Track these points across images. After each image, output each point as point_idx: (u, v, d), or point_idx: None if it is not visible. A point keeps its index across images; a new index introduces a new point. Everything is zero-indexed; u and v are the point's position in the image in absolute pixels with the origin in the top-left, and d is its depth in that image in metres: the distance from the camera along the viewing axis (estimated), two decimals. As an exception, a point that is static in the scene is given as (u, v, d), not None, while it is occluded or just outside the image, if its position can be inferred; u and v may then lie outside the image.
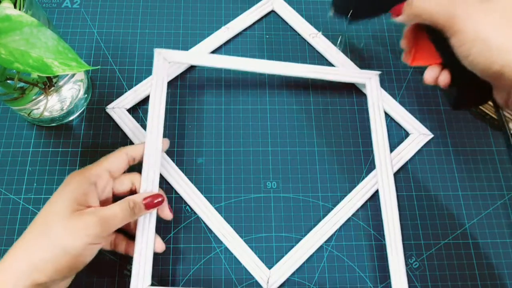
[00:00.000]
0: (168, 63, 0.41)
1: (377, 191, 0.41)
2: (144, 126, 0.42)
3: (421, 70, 0.47)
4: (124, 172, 0.36)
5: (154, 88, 0.40)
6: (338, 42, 0.44)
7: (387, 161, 0.41)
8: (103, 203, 0.33)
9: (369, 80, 0.44)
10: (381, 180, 0.40)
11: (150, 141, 0.37)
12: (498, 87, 0.30)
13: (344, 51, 0.46)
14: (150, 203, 0.34)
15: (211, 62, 0.43)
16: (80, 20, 0.47)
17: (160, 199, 0.35)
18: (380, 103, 0.43)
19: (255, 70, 0.43)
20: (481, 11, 0.28)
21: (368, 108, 0.43)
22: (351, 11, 0.38)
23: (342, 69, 0.45)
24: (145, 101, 0.43)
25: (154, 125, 0.38)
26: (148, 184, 0.36)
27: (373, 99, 0.44)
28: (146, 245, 0.34)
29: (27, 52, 0.28)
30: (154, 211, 0.35)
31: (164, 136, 0.42)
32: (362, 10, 0.38)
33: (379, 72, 0.45)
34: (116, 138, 0.42)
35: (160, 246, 0.36)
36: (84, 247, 0.29)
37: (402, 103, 0.45)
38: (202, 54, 0.44)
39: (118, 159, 0.35)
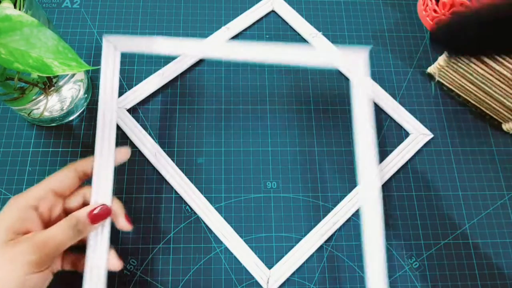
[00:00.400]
0: (119, 52, 0.37)
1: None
2: (144, 126, 0.42)
3: (422, 70, 0.47)
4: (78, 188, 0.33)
5: (104, 86, 0.35)
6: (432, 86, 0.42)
7: (373, 169, 0.34)
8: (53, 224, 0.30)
9: (356, 62, 0.36)
10: (363, 194, 0.34)
11: (100, 149, 0.34)
12: None
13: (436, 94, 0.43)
14: (96, 215, 0.31)
15: (170, 48, 0.37)
16: (80, 20, 0.47)
17: (107, 210, 0.32)
18: (369, 88, 0.36)
19: (220, 57, 0.37)
20: None
21: (352, 96, 0.36)
22: (459, 47, 0.31)
23: (321, 51, 0.38)
24: (145, 101, 0.43)
25: (106, 130, 0.34)
26: (99, 196, 0.32)
27: (358, 85, 0.36)
28: (98, 262, 0.31)
29: (27, 52, 0.28)
30: (107, 223, 0.32)
31: (165, 136, 0.42)
32: (473, 47, 0.31)
33: (369, 47, 0.38)
34: (116, 138, 0.42)
35: (116, 263, 0.32)
36: (23, 278, 0.27)
37: (402, 103, 0.45)
38: (158, 40, 0.37)
39: (64, 177, 0.32)
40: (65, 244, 0.30)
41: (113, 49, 0.37)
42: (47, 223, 0.31)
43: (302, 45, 0.36)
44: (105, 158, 0.33)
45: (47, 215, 0.31)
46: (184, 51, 0.38)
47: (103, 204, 0.32)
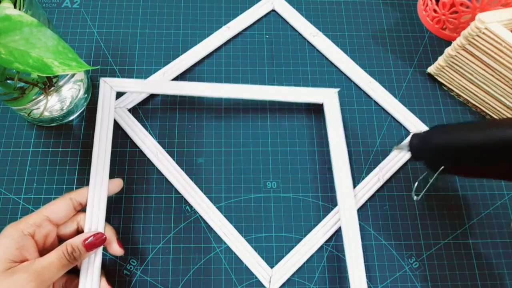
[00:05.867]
0: (115, 92, 0.41)
1: (377, 191, 0.41)
2: (144, 126, 0.42)
3: (422, 70, 0.47)
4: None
5: (100, 122, 0.39)
6: (414, 189, 0.39)
7: (350, 193, 0.39)
8: (49, 251, 0.31)
9: (328, 100, 0.42)
10: (343, 216, 0.38)
11: (95, 180, 0.36)
12: None
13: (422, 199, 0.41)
14: (91, 243, 0.32)
15: (164, 89, 0.42)
16: (80, 20, 0.47)
17: (103, 237, 0.33)
18: (341, 126, 0.41)
19: (212, 95, 0.42)
20: None
21: (327, 131, 0.41)
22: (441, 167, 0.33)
23: (298, 88, 0.43)
24: (145, 101, 0.43)
25: (100, 159, 0.37)
26: (92, 222, 0.34)
27: (331, 121, 0.41)
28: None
29: (27, 52, 0.28)
30: (99, 251, 0.34)
31: (165, 136, 0.42)
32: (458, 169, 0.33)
33: (337, 89, 0.43)
34: (116, 138, 0.42)
35: None
36: None
37: (402, 103, 0.45)
38: (154, 82, 0.42)
39: (60, 205, 0.33)
40: (61, 271, 0.30)
41: (109, 89, 0.41)
42: (42, 250, 0.32)
43: (283, 87, 0.43)
44: (99, 189, 0.36)
45: (42, 242, 0.32)
46: (177, 92, 0.42)
47: (98, 232, 0.33)
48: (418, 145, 0.35)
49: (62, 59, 0.29)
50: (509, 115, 0.42)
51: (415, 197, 0.38)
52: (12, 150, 0.41)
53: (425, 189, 0.37)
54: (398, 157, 0.42)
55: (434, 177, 0.33)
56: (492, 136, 0.29)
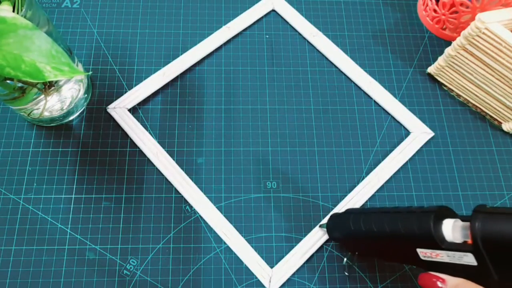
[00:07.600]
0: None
1: (377, 191, 0.41)
2: (144, 126, 0.42)
3: (422, 70, 0.47)
4: None
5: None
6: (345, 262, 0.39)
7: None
8: None
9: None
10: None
11: None
12: None
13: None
14: None
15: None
16: (80, 20, 0.47)
17: None
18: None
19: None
20: None
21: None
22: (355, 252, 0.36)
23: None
24: (145, 101, 0.43)
25: None
26: None
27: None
28: None
29: (20, 56, 0.27)
30: None
31: (165, 136, 0.42)
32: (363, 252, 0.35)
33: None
34: (116, 138, 0.42)
35: None
36: None
37: (402, 103, 0.45)
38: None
39: None
40: None
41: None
42: None
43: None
44: None
45: None
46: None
47: None
48: (331, 226, 0.36)
49: (55, 64, 0.28)
50: (509, 115, 0.42)
51: (346, 273, 0.38)
52: (12, 150, 0.41)
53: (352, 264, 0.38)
54: (398, 157, 0.42)
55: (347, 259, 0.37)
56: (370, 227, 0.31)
